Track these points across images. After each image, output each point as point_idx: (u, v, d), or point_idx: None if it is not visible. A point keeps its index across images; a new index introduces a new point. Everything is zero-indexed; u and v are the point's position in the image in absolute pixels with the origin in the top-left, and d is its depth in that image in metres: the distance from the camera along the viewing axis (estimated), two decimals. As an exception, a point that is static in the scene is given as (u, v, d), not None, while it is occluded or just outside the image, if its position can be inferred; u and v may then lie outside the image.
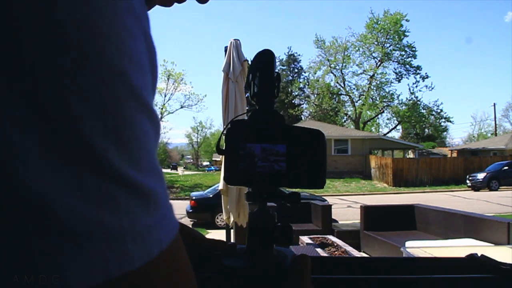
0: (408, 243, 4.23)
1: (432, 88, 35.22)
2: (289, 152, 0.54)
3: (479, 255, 0.71)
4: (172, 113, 32.52)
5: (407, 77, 34.90)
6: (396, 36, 33.18)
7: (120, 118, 0.21)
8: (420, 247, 3.73)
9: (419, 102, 33.83)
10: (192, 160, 69.46)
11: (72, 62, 0.19)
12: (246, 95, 3.33)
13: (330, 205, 7.09)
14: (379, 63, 33.98)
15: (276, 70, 0.57)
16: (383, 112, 34.42)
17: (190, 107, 32.32)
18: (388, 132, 34.69)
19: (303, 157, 0.54)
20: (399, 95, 42.01)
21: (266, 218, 0.55)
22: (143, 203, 0.22)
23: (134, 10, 0.23)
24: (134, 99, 0.22)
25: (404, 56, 33.95)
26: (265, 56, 0.56)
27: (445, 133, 41.23)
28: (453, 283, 0.65)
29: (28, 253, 0.18)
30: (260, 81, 0.56)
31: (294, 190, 0.57)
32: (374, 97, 33.86)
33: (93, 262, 0.19)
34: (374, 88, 33.78)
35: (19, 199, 0.18)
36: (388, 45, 33.72)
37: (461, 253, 0.77)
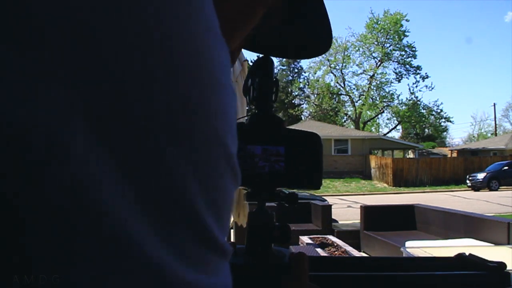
0: (408, 243, 4.23)
1: (432, 88, 35.39)
2: (287, 154, 0.56)
3: (467, 254, 0.75)
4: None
5: (407, 77, 35.01)
6: (396, 36, 33.19)
7: (219, 187, 0.21)
8: (420, 247, 3.74)
9: (419, 102, 33.86)
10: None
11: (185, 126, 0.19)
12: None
13: (330, 205, 7.09)
14: (379, 63, 33.99)
15: (275, 75, 0.59)
16: (383, 112, 34.45)
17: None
18: (388, 132, 34.73)
19: (300, 158, 0.56)
20: (399, 95, 42.13)
21: (265, 218, 0.56)
22: (223, 261, 0.22)
23: (228, 68, 0.22)
24: (230, 169, 0.22)
25: (404, 56, 33.99)
26: (264, 62, 0.58)
27: (445, 133, 41.25)
28: (444, 280, 0.68)
29: None
30: (259, 86, 0.57)
31: (292, 190, 0.58)
32: (374, 97, 33.87)
33: None
34: (374, 88, 33.80)
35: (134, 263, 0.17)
36: (388, 45, 33.75)
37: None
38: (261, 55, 0.58)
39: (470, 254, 0.74)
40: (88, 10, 0.16)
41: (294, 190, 0.58)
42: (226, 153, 0.21)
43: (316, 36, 0.51)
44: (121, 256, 0.16)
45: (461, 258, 0.75)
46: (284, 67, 38.97)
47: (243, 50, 0.54)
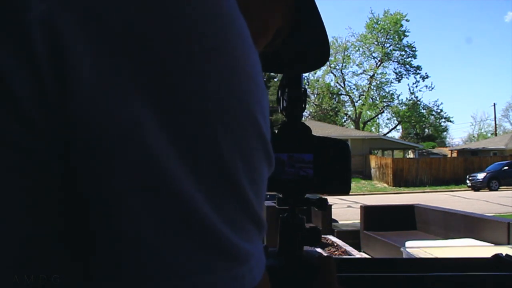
0: (408, 243, 4.23)
1: (432, 88, 35.29)
2: (316, 160, 0.59)
3: (503, 255, 0.77)
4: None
5: (407, 77, 34.95)
6: (396, 36, 33.18)
7: (258, 168, 0.24)
8: (420, 247, 3.73)
9: (419, 102, 33.86)
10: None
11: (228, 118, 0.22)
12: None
13: (330, 205, 7.09)
14: (379, 63, 33.98)
15: (303, 86, 0.62)
16: (383, 112, 34.45)
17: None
18: (388, 132, 34.74)
19: (330, 165, 0.59)
20: (399, 95, 42.06)
21: (296, 221, 0.60)
22: (260, 234, 0.26)
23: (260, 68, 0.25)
24: (265, 155, 0.25)
25: (404, 56, 33.98)
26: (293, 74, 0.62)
27: (445, 133, 41.24)
28: (482, 280, 0.69)
29: (189, 265, 0.21)
30: (288, 96, 0.61)
31: (321, 195, 0.62)
32: (374, 97, 33.88)
33: (237, 278, 0.23)
34: (374, 88, 33.80)
35: (187, 219, 0.21)
36: (388, 45, 33.74)
37: (461, 253, 0.79)
38: None
39: (507, 255, 0.76)
40: (156, 29, 0.20)
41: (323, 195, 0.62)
42: (263, 140, 0.24)
43: (314, 49, 0.53)
44: (191, 225, 0.20)
45: (498, 258, 0.76)
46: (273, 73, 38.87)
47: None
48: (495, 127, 40.90)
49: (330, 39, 0.51)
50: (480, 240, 4.41)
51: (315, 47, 0.50)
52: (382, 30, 33.21)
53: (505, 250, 3.23)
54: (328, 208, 0.64)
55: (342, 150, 0.60)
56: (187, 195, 0.20)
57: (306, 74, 38.00)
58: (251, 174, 0.23)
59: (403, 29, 33.13)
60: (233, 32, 0.23)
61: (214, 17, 0.22)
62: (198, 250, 0.21)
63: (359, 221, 6.59)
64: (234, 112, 0.22)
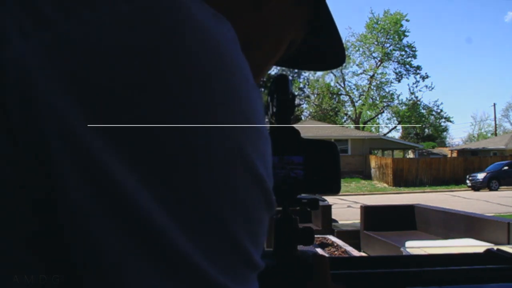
0: (408, 243, 4.23)
1: (432, 88, 35.27)
2: (306, 162, 0.61)
3: (495, 249, 0.80)
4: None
5: (407, 77, 34.90)
6: (396, 36, 33.15)
7: (257, 218, 0.24)
8: (420, 247, 3.74)
9: (419, 102, 33.86)
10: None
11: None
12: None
13: (330, 205, 7.08)
14: (379, 63, 33.98)
15: (291, 91, 0.65)
16: (383, 112, 34.45)
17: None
18: (388, 132, 34.73)
19: (320, 166, 0.61)
20: (399, 95, 42.01)
21: (289, 222, 0.62)
22: (255, 275, 0.25)
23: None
24: (266, 202, 0.24)
25: (404, 56, 33.95)
26: (281, 80, 0.64)
27: (445, 133, 41.24)
28: (477, 273, 0.72)
29: None
30: (277, 102, 0.63)
31: (313, 196, 0.65)
32: (374, 97, 33.87)
33: None
34: (374, 88, 33.77)
35: None
36: (388, 45, 33.71)
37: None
38: (277, 74, 0.64)
39: (498, 249, 0.79)
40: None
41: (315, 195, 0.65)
42: (264, 190, 0.24)
43: (330, 51, 0.54)
44: (178, 272, 0.20)
45: (489, 253, 0.79)
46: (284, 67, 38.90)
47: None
48: (495, 127, 40.92)
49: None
50: (480, 240, 4.41)
51: (330, 48, 0.51)
52: (382, 30, 33.19)
53: (505, 250, 3.24)
54: (319, 207, 0.67)
55: (331, 151, 0.62)
56: (183, 250, 0.20)
57: (306, 74, 38.05)
58: (251, 227, 0.23)
59: (403, 29, 33.12)
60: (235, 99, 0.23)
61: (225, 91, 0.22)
62: None
63: (359, 221, 6.59)
64: (235, 172, 0.22)
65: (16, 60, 0.18)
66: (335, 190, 0.62)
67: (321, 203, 7.49)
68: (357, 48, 34.51)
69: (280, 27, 0.38)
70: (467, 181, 19.73)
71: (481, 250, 0.83)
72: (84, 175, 0.18)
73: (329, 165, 0.62)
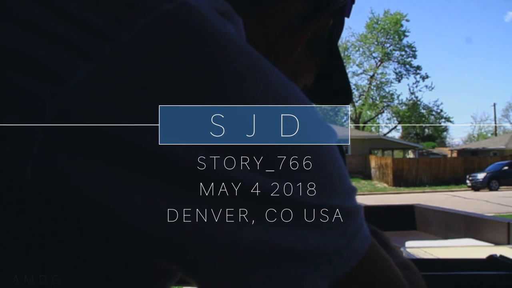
0: (408, 243, 4.22)
1: (432, 88, 35.26)
2: None
3: (498, 255, 0.80)
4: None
5: (407, 77, 34.92)
6: (396, 36, 33.16)
7: None
8: (420, 247, 3.73)
9: (419, 102, 33.86)
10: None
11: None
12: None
13: (330, 205, 7.07)
14: (379, 63, 33.99)
15: None
16: (383, 112, 34.45)
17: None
18: (388, 132, 34.73)
19: None
20: (399, 95, 42.00)
21: None
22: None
23: None
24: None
25: (404, 56, 33.95)
26: None
27: (445, 133, 41.23)
28: (479, 280, 0.71)
29: None
30: None
31: None
32: (374, 97, 33.87)
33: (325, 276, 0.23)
34: (374, 88, 33.79)
35: None
36: (388, 45, 33.73)
37: (462, 253, 0.80)
38: None
39: (500, 256, 0.79)
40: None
41: None
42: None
43: (338, 89, 0.56)
44: None
45: (492, 259, 0.79)
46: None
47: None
48: (495, 127, 40.91)
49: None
50: (480, 240, 4.41)
51: (338, 87, 0.53)
52: (382, 30, 33.19)
53: (505, 250, 3.24)
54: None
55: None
56: None
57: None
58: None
59: (403, 29, 33.12)
60: None
61: None
62: None
63: (359, 221, 6.57)
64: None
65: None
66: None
67: (321, 203, 7.46)
68: (357, 48, 34.52)
69: (296, 79, 0.41)
70: (467, 181, 19.72)
71: (481, 250, 0.83)
72: None
73: None
